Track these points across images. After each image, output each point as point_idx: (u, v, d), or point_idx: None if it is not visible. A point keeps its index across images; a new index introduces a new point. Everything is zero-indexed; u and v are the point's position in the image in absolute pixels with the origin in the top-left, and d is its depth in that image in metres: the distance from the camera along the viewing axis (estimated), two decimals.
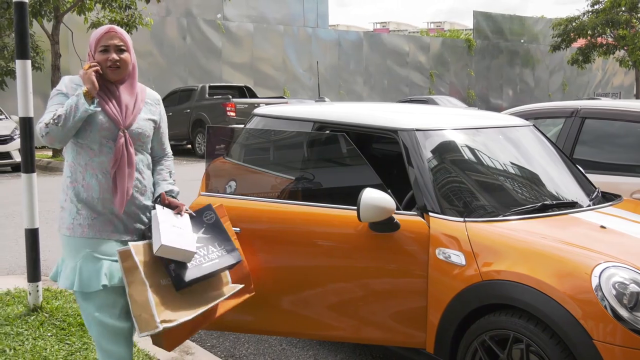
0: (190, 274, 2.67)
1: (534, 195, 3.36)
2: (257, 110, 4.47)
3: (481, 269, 2.82)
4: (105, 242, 2.64)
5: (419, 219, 3.09)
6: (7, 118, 13.91)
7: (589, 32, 25.65)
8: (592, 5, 26.08)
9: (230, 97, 16.11)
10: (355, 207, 2.99)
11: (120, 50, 2.65)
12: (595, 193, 3.63)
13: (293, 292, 3.34)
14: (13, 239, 6.77)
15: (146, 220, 2.75)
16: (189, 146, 17.25)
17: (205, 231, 2.88)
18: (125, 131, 2.63)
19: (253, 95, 17.61)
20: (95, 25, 13.51)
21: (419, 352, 3.13)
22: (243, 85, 18.31)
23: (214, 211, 2.97)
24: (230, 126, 12.27)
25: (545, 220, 3.08)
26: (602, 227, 3.04)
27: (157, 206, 2.73)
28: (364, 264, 3.16)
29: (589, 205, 3.38)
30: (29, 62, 4.12)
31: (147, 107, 2.77)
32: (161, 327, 2.51)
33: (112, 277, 2.60)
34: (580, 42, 26.94)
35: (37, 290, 4.14)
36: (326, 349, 3.93)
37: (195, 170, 11.47)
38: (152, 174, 2.83)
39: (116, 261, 2.61)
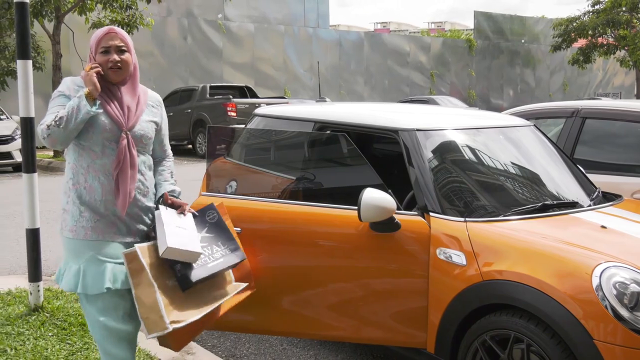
0: (196, 274, 2.68)
1: (535, 195, 3.37)
2: (257, 111, 4.48)
3: (482, 268, 2.82)
4: (109, 244, 2.63)
5: (420, 219, 3.09)
6: (8, 118, 13.92)
7: (590, 32, 25.65)
8: (593, 6, 26.08)
9: (231, 97, 16.12)
10: (356, 207, 2.99)
11: (121, 51, 2.64)
12: (596, 193, 3.63)
13: (294, 292, 3.34)
14: (14, 239, 6.77)
15: (149, 222, 2.75)
16: (190, 146, 17.26)
17: (209, 230, 2.88)
18: (128, 133, 2.62)
19: (254, 95, 17.61)
20: (96, 25, 13.52)
21: (419, 352, 3.13)
22: (244, 85, 18.32)
23: (217, 210, 2.97)
24: (231, 126, 12.28)
25: (546, 220, 3.08)
26: (603, 227, 3.04)
27: (161, 207, 2.72)
28: (365, 263, 3.16)
29: (590, 205, 3.38)
30: (30, 62, 4.12)
31: (149, 109, 2.77)
32: (171, 327, 2.51)
33: (115, 280, 2.59)
34: (581, 42, 26.94)
35: (38, 290, 4.15)
36: (327, 349, 3.93)
37: (196, 170, 11.47)
38: (154, 175, 2.83)
39: (120, 263, 2.60)
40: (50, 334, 3.77)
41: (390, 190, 3.09)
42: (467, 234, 2.93)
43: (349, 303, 3.23)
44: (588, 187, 3.69)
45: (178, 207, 2.79)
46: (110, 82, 2.64)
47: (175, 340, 2.76)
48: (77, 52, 14.70)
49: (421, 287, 3.04)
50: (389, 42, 27.85)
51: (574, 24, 26.16)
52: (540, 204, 3.18)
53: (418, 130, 3.34)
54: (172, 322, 2.52)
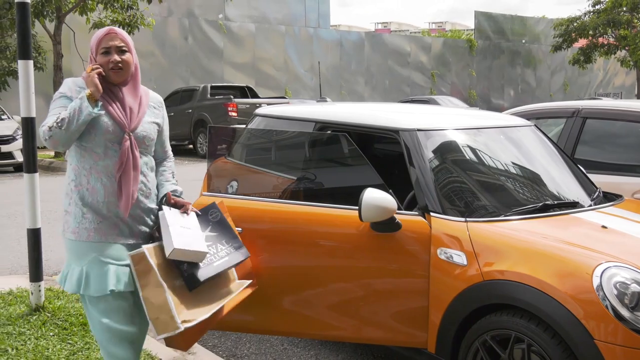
0: (203, 273, 2.69)
1: (535, 195, 3.37)
2: (258, 111, 4.48)
3: (482, 268, 2.82)
4: (111, 246, 2.62)
5: (421, 219, 3.09)
6: (9, 118, 13.94)
7: (590, 32, 25.65)
8: (594, 6, 26.08)
9: (232, 97, 16.13)
10: (357, 207, 2.99)
11: (121, 51, 2.63)
12: (597, 193, 3.63)
13: (295, 292, 3.34)
14: (15, 239, 6.78)
15: (151, 223, 2.75)
16: (191, 146, 17.27)
17: (212, 229, 2.89)
18: (131, 134, 2.62)
19: (254, 95, 17.62)
20: (97, 25, 13.53)
21: (420, 352, 3.13)
22: (245, 85, 18.32)
23: (219, 209, 2.98)
24: (231, 126, 12.28)
25: (547, 220, 3.08)
26: (604, 227, 3.04)
27: (164, 207, 2.72)
28: (366, 263, 3.16)
29: (590, 205, 3.38)
30: (31, 62, 4.13)
31: (150, 110, 2.76)
32: (183, 327, 2.52)
33: (119, 282, 2.58)
34: (582, 42, 26.94)
35: (39, 290, 4.15)
36: (328, 349, 3.93)
37: (197, 170, 11.48)
38: (155, 176, 2.83)
39: (123, 265, 2.60)
40: (51, 333, 3.78)
41: (390, 190, 3.09)
42: (468, 233, 2.93)
43: (350, 303, 3.23)
44: (589, 187, 3.69)
45: (181, 207, 2.79)
46: (112, 83, 2.64)
47: (184, 340, 2.76)
48: (78, 52, 14.72)
49: (422, 287, 3.04)
50: (390, 42, 27.86)
51: (575, 24, 26.16)
52: (541, 204, 3.18)
53: (419, 130, 3.35)
54: (184, 321, 2.53)
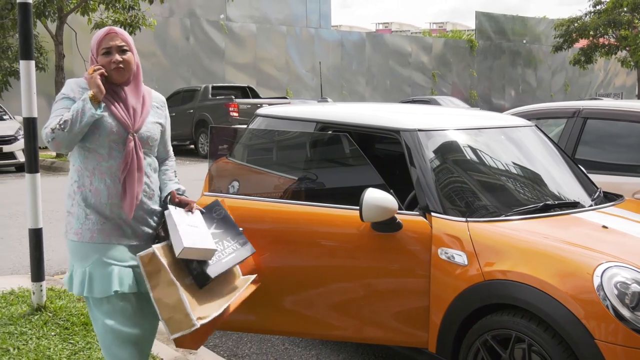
0: (213, 270, 2.70)
1: (536, 195, 3.37)
2: (259, 111, 4.49)
3: (483, 268, 2.83)
4: (115, 247, 2.61)
5: (421, 219, 3.10)
6: (11, 118, 13.95)
7: (591, 32, 25.65)
8: (594, 6, 26.08)
9: (233, 97, 16.13)
10: (358, 207, 3.00)
11: (122, 50, 2.62)
12: (597, 193, 3.63)
13: (296, 292, 3.35)
14: (17, 239, 6.79)
15: (154, 225, 2.74)
16: (192, 146, 17.28)
17: (217, 226, 2.90)
18: (135, 135, 2.61)
19: (256, 95, 17.63)
20: (99, 26, 13.54)
21: (421, 352, 3.13)
22: (246, 85, 18.33)
23: (222, 206, 2.99)
24: (233, 126, 12.29)
25: (547, 220, 3.09)
26: (604, 227, 3.05)
27: (170, 207, 2.72)
28: (367, 263, 3.17)
29: (591, 205, 3.39)
30: (32, 62, 4.13)
31: (153, 110, 2.75)
32: (199, 324, 2.52)
33: (122, 283, 2.57)
34: (583, 42, 26.94)
35: (41, 290, 4.16)
36: (329, 349, 3.94)
37: (198, 170, 11.49)
38: (158, 176, 2.83)
39: (126, 267, 2.59)
40: (52, 333, 3.78)
41: (391, 190, 3.10)
42: (469, 234, 2.93)
43: (351, 303, 3.23)
44: (589, 187, 3.69)
45: (185, 206, 2.78)
46: (114, 83, 2.63)
47: (194, 339, 2.75)
48: (79, 52, 14.73)
49: (423, 287, 3.04)
50: (391, 43, 27.86)
51: (576, 25, 26.17)
52: (541, 204, 3.18)
53: (420, 130, 3.35)
54: (199, 318, 2.54)
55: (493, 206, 3.17)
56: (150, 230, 2.72)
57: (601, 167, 4.47)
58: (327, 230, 3.25)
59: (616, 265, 2.57)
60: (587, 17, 26.18)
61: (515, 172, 3.55)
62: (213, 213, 2.94)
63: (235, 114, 15.40)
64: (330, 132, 3.77)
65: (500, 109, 25.70)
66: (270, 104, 14.15)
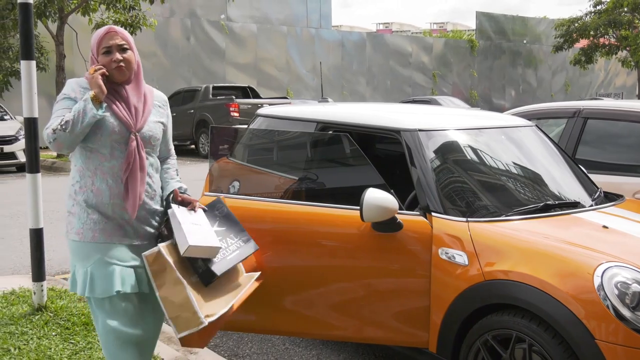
0: (218, 267, 2.70)
1: (537, 195, 3.37)
2: (260, 111, 4.49)
3: (484, 268, 2.83)
4: (116, 247, 2.60)
5: (422, 219, 3.10)
6: (12, 118, 13.95)
7: (592, 32, 25.65)
8: (595, 6, 26.08)
9: (234, 97, 16.14)
10: (359, 207, 3.00)
11: (123, 49, 2.61)
12: (598, 193, 3.63)
13: (296, 292, 3.35)
14: (18, 239, 6.79)
15: (155, 224, 2.74)
16: (193, 146, 17.29)
17: (220, 224, 2.90)
18: (137, 134, 2.60)
19: (256, 95, 17.64)
20: (100, 26, 13.52)
21: (421, 352, 3.14)
22: (246, 85, 18.34)
23: (224, 204, 3.00)
24: (233, 126, 12.30)
25: (548, 220, 3.09)
26: (605, 227, 3.05)
27: (173, 205, 2.72)
28: (367, 263, 3.17)
29: (592, 205, 3.39)
30: (33, 62, 4.13)
31: (155, 109, 2.74)
32: (206, 322, 2.52)
33: (124, 283, 2.56)
34: (583, 42, 26.94)
35: (42, 290, 4.16)
36: (329, 349, 3.94)
37: (199, 170, 11.50)
38: (160, 175, 2.82)
39: (127, 267, 2.59)
40: (53, 333, 3.78)
41: (392, 190, 3.10)
42: (469, 234, 2.94)
43: (351, 303, 3.23)
44: (590, 187, 3.69)
45: (188, 204, 2.78)
46: (115, 82, 2.61)
47: (200, 338, 2.75)
48: (80, 52, 14.74)
49: (423, 287, 3.04)
50: (391, 43, 27.87)
51: (576, 25, 26.17)
52: (542, 204, 3.19)
53: (420, 130, 3.35)
54: (206, 315, 2.54)
55: (493, 206, 3.17)
56: (152, 230, 2.72)
57: (601, 167, 4.47)
58: (327, 230, 3.25)
59: (617, 265, 2.57)
60: (588, 17, 26.18)
61: (515, 172, 3.55)
62: (215, 211, 2.94)
63: (236, 114, 15.40)
64: (330, 132, 3.77)
65: (501, 109, 25.70)
66: (270, 104, 14.16)
